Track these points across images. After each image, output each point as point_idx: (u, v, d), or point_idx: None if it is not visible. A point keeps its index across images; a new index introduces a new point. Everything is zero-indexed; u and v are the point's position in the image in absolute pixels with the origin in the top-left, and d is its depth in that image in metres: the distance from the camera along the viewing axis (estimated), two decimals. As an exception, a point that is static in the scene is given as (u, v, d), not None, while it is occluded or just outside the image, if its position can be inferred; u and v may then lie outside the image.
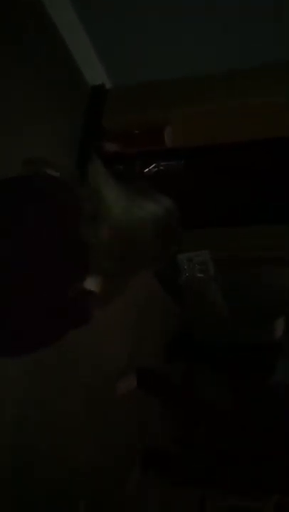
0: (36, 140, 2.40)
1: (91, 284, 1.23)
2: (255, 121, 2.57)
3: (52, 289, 1.20)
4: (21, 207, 1.18)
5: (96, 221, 1.17)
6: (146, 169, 2.89)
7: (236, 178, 2.87)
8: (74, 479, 2.55)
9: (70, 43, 2.74)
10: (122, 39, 2.69)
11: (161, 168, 2.91)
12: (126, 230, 1.18)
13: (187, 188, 2.93)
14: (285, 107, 2.45)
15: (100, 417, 2.80)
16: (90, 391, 2.73)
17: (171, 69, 2.71)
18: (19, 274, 1.18)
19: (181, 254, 3.61)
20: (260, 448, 2.51)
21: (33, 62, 2.48)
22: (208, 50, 2.60)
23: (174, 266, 3.63)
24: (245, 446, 2.58)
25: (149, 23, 2.58)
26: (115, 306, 1.30)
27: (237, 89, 2.57)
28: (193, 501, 3.17)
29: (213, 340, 3.76)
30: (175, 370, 3.71)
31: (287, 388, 2.81)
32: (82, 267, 1.20)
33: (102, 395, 2.85)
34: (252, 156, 2.77)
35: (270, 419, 2.60)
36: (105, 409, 2.86)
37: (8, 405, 2.14)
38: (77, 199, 1.20)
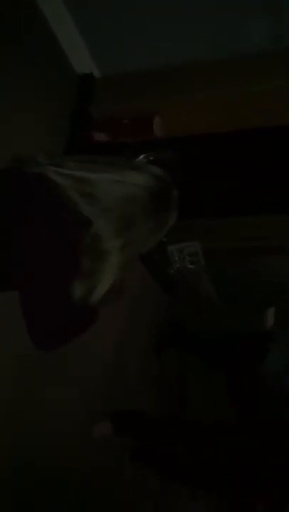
0: (26, 130, 2.38)
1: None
2: (250, 110, 2.54)
3: (52, 289, 1.18)
4: (21, 207, 1.17)
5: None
6: (136, 159, 2.85)
7: (231, 168, 2.83)
8: (74, 479, 2.53)
9: (60, 35, 2.69)
10: (110, 28, 2.65)
11: (151, 158, 2.87)
12: (118, 208, 1.15)
13: (178, 178, 2.88)
14: (283, 96, 2.42)
15: (99, 417, 2.77)
16: (89, 390, 2.71)
17: (163, 60, 2.67)
18: (19, 274, 1.18)
19: (172, 245, 3.58)
20: (257, 446, 2.48)
21: (26, 56, 2.45)
22: (204, 45, 2.57)
23: (164, 257, 3.60)
24: (242, 445, 2.55)
25: (144, 17, 2.54)
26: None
27: (231, 79, 2.54)
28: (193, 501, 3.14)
29: (206, 331, 3.74)
30: (168, 368, 3.69)
31: (278, 380, 2.80)
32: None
33: (101, 394, 2.82)
34: (247, 145, 2.74)
35: (266, 416, 2.60)
36: (105, 409, 2.83)
37: (8, 405, 2.13)
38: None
